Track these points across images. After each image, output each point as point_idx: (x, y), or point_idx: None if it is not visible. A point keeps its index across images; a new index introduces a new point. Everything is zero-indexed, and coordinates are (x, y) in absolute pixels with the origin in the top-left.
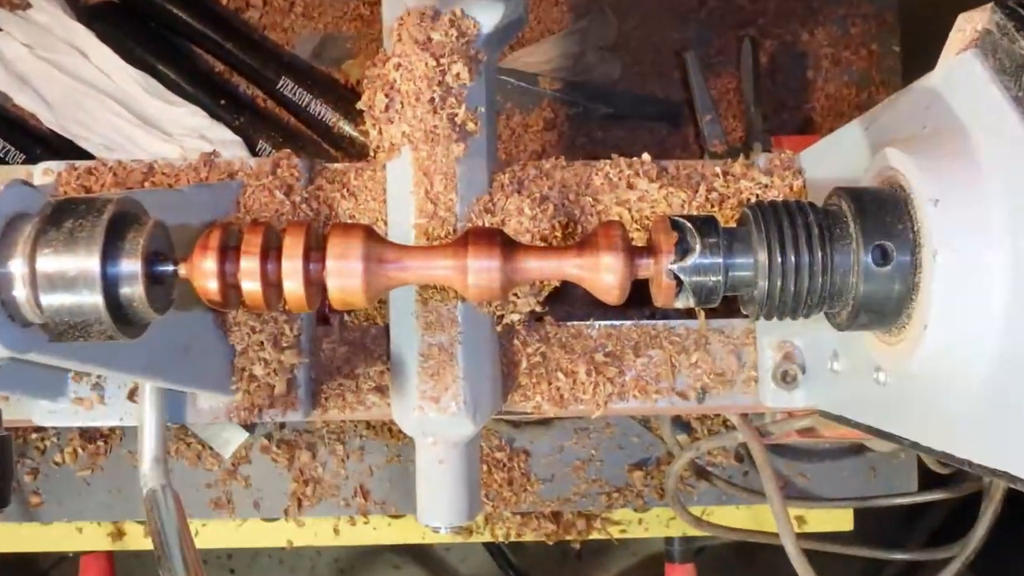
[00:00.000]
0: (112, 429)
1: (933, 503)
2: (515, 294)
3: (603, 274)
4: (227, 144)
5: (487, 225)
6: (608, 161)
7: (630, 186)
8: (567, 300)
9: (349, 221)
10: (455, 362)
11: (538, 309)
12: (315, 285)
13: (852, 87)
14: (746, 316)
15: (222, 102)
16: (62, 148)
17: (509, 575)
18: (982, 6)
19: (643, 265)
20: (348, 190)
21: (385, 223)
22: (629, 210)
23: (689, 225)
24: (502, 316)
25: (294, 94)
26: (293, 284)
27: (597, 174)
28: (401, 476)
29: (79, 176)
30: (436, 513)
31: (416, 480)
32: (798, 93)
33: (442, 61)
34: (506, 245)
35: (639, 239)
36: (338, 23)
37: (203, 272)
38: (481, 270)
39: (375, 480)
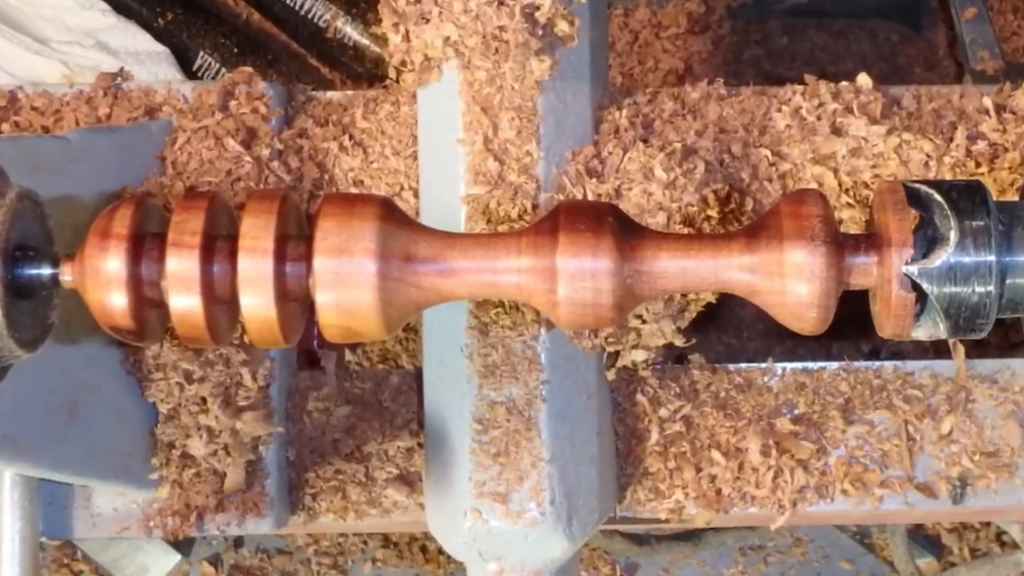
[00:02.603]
0: None
1: None
2: (639, 316)
3: (790, 282)
4: (144, 58)
5: (590, 197)
6: (798, 88)
7: (836, 130)
8: (728, 327)
9: (353, 191)
10: (536, 433)
11: (678, 342)
12: (295, 301)
13: None
14: None
15: None
16: None
17: None
18: None
19: (859, 267)
20: (351, 137)
21: (415, 194)
22: (835, 171)
23: (939, 198)
24: (616, 354)
25: None
26: (257, 299)
27: (780, 110)
28: None
29: None
30: None
31: None
32: None
33: None
34: (624, 232)
35: (852, 222)
36: None
37: (103, 277)
38: (581, 275)
39: None
